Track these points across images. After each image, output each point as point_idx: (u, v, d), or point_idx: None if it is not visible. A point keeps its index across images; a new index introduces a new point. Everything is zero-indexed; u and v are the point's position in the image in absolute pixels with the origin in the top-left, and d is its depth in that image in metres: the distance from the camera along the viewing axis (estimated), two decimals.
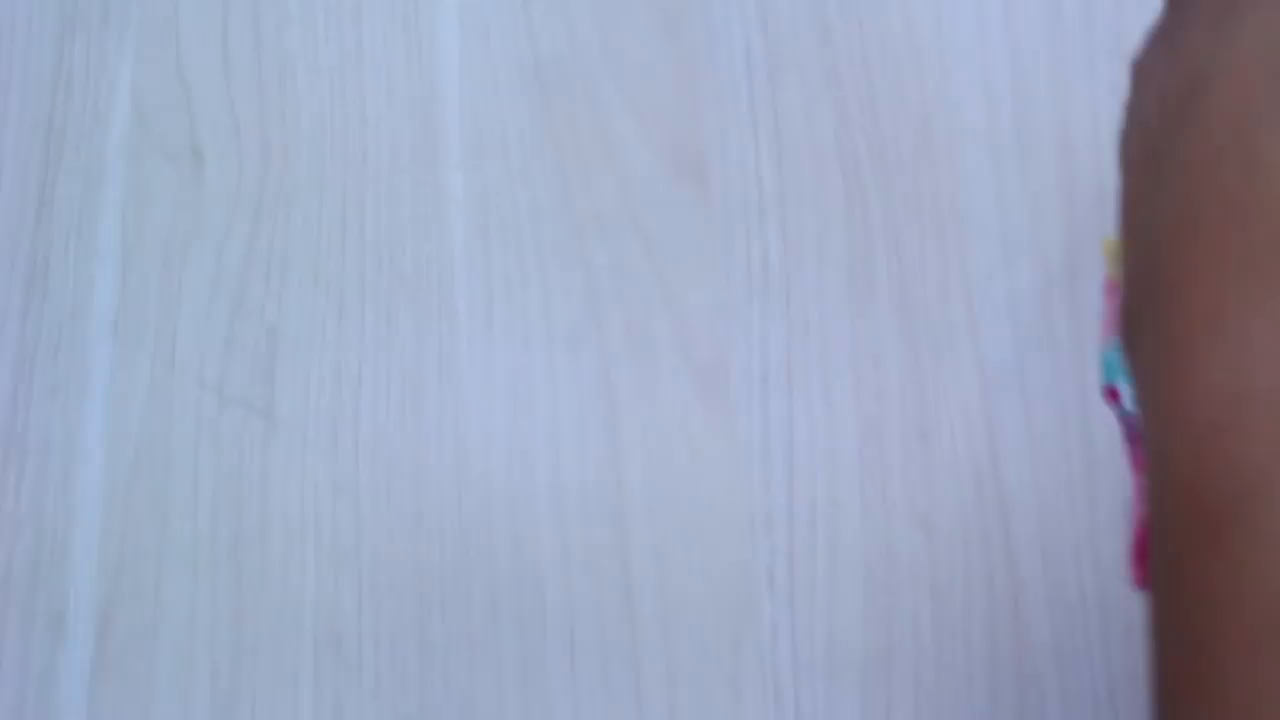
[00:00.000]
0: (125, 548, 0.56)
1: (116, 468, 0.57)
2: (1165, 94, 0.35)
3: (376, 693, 0.54)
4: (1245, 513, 0.28)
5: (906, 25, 0.62)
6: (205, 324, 0.60)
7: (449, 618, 0.55)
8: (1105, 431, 0.56)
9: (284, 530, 0.56)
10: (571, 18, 0.64)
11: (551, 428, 0.57)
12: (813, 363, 0.57)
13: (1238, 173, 0.31)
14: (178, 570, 0.55)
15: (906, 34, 0.62)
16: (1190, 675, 0.29)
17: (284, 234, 0.61)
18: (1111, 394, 0.44)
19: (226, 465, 0.57)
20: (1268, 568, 0.28)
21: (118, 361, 0.59)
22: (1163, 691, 0.30)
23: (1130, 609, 0.54)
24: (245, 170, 0.62)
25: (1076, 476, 0.55)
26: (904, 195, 0.60)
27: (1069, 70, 0.61)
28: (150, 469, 0.57)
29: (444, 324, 0.59)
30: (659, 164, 0.61)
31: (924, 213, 0.59)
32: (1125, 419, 0.44)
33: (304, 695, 0.54)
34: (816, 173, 0.60)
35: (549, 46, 0.63)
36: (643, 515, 0.56)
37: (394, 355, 0.59)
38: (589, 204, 0.60)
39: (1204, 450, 0.29)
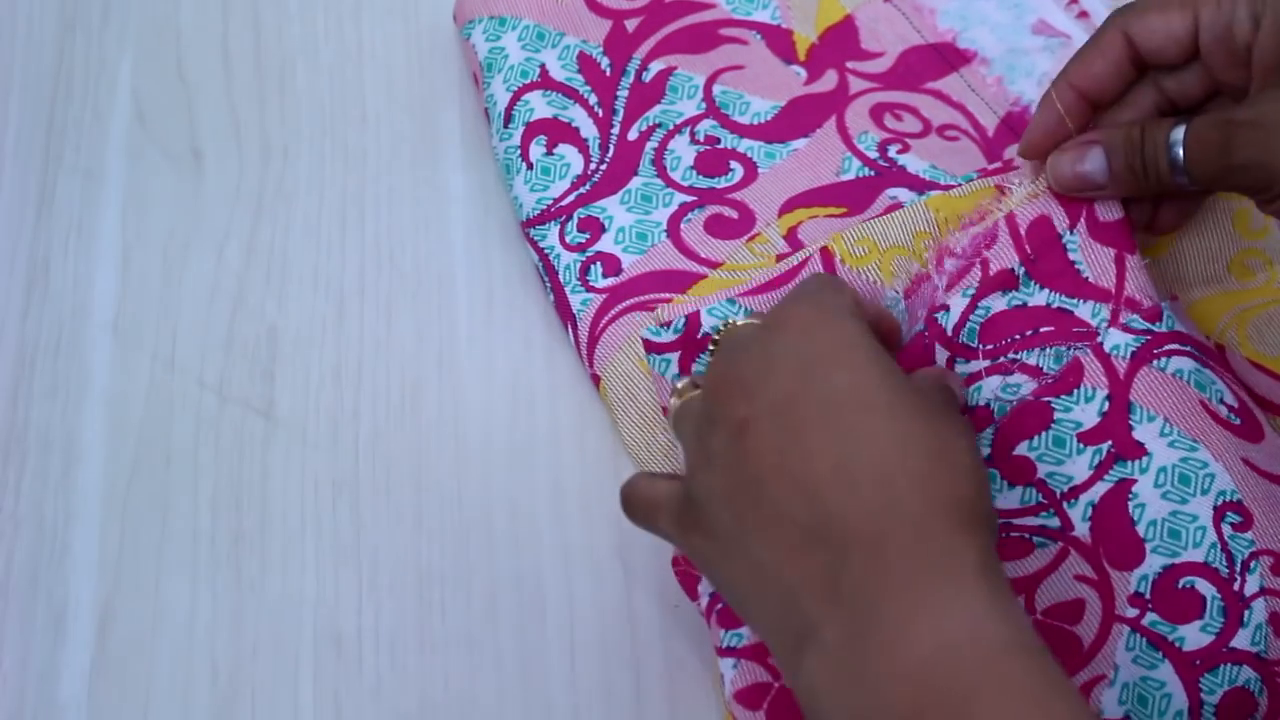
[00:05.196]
0: (125, 547, 0.56)
1: (116, 467, 0.57)
2: None
3: (376, 692, 0.53)
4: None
5: None
6: (205, 324, 0.60)
7: (449, 618, 0.55)
8: None
9: (284, 529, 0.56)
10: None
11: (551, 427, 0.57)
12: None
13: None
14: (178, 569, 0.55)
15: None
16: None
17: (284, 234, 0.61)
18: None
19: (226, 465, 0.57)
20: None
21: (118, 361, 0.59)
22: None
23: None
24: (245, 170, 0.62)
25: None
26: None
27: None
28: (150, 469, 0.57)
29: (444, 323, 0.59)
30: None
31: None
32: None
33: (304, 695, 0.53)
34: None
35: None
36: None
37: (394, 355, 0.59)
38: None
39: (919, 690, 0.38)
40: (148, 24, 0.66)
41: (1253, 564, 0.49)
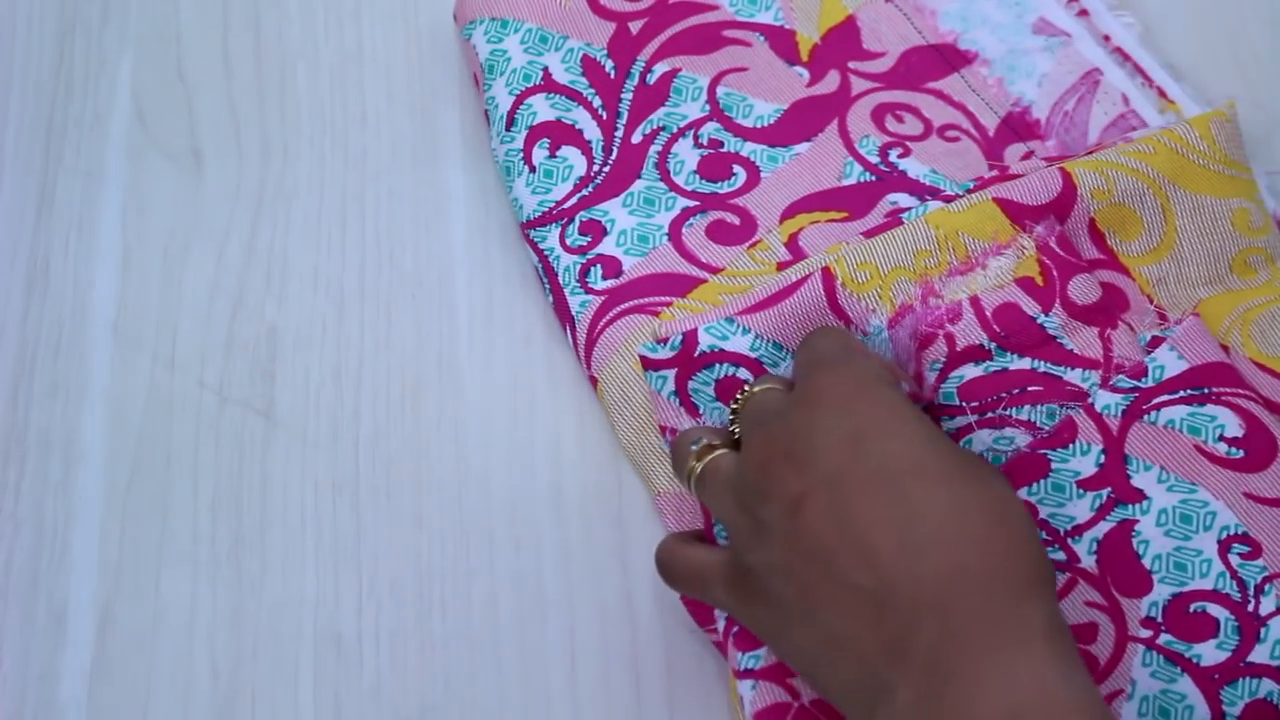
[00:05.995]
0: (125, 547, 0.56)
1: (116, 468, 0.57)
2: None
3: (376, 693, 0.53)
4: None
5: None
6: (205, 324, 0.60)
7: (449, 618, 0.55)
8: None
9: (284, 530, 0.56)
10: None
11: (551, 427, 0.57)
12: None
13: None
14: (178, 570, 0.55)
15: None
16: None
17: (284, 233, 0.61)
18: None
19: (226, 465, 0.57)
20: None
21: (118, 361, 0.59)
22: None
23: None
24: (245, 170, 0.62)
25: None
26: None
27: None
28: (150, 469, 0.57)
29: (444, 323, 0.59)
30: None
31: None
32: None
33: (304, 695, 0.53)
34: None
35: None
36: (643, 515, 0.56)
37: (394, 355, 0.59)
38: None
39: None
40: (148, 24, 0.66)
41: (1267, 587, 0.49)
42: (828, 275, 0.53)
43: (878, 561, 0.42)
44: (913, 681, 0.41)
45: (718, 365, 0.53)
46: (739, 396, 0.50)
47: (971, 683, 0.40)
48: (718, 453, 0.49)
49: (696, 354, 0.53)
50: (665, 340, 0.53)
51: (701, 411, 0.53)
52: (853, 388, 0.46)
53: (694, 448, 0.50)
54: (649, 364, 0.54)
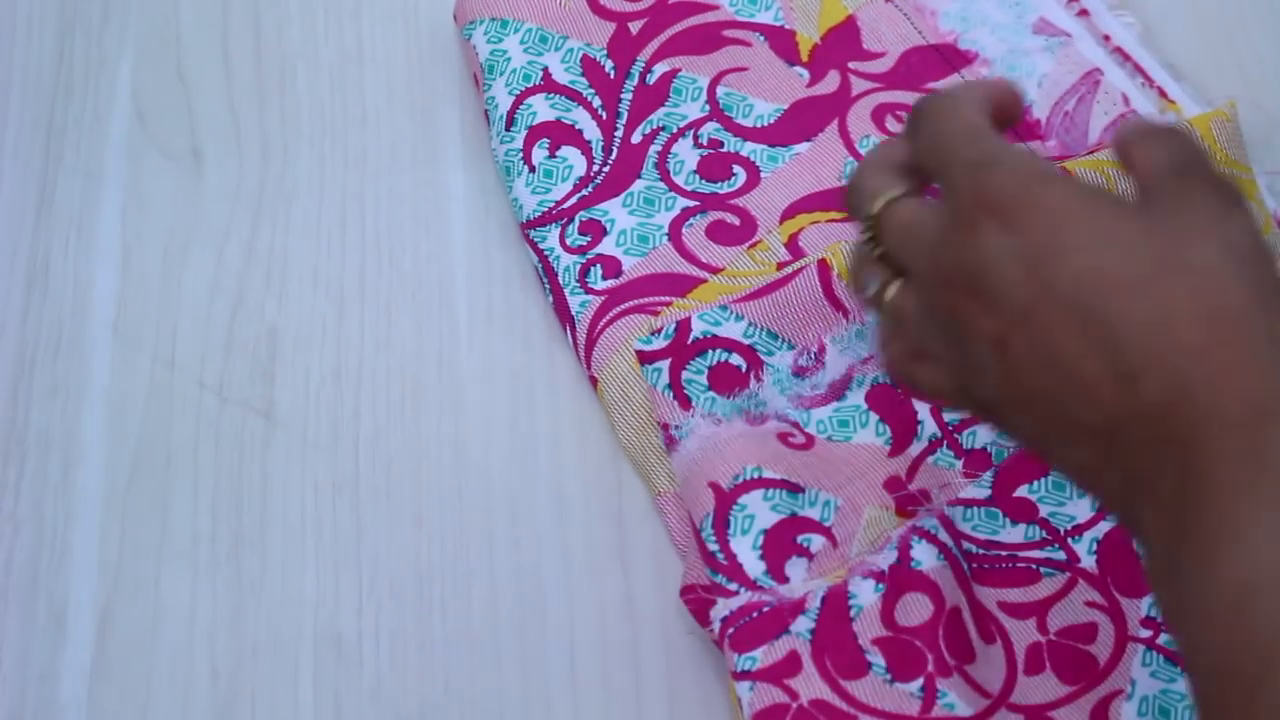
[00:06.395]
0: (125, 547, 0.56)
1: (116, 468, 0.57)
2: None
3: (376, 693, 0.53)
4: (1265, 685, 0.34)
5: None
6: (205, 324, 0.60)
7: (449, 618, 0.54)
8: None
9: (284, 530, 0.56)
10: None
11: (551, 427, 0.57)
12: None
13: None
14: (177, 570, 0.55)
15: None
16: None
17: (284, 233, 0.61)
18: None
19: (226, 466, 0.57)
20: None
21: (118, 361, 0.59)
22: None
23: None
24: (245, 170, 0.62)
25: None
26: None
27: None
28: (150, 469, 0.57)
29: (444, 323, 0.59)
30: None
31: None
32: None
33: (304, 695, 0.53)
34: None
35: None
36: (642, 515, 0.56)
37: (394, 355, 0.59)
38: None
39: (1227, 633, 0.35)
40: (148, 24, 0.66)
41: None
42: (824, 266, 0.53)
43: (1097, 398, 0.38)
44: (1162, 526, 0.37)
45: (710, 352, 0.53)
46: (871, 217, 0.43)
47: (1209, 546, 0.36)
48: (896, 284, 0.43)
49: (690, 340, 0.53)
50: (659, 331, 0.53)
51: (694, 402, 0.53)
52: (1011, 196, 0.40)
53: (868, 293, 0.44)
54: (645, 357, 0.54)
